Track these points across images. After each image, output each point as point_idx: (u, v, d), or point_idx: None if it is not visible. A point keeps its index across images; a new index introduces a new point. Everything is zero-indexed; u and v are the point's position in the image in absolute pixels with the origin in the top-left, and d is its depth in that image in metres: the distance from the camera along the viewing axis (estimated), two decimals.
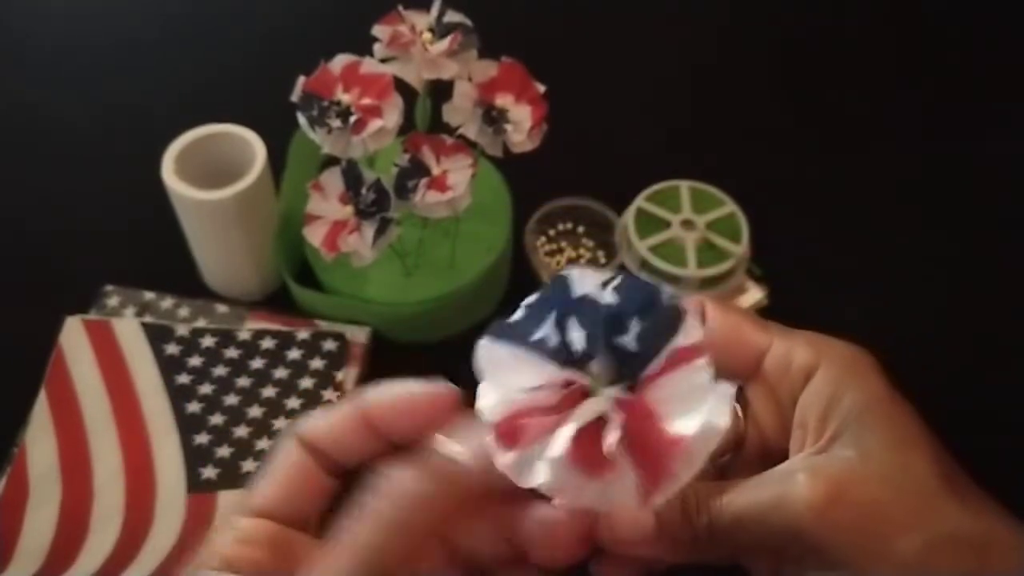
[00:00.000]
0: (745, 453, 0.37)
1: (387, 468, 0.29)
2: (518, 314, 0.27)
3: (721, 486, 0.33)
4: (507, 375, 0.26)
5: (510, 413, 0.26)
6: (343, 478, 0.32)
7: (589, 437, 0.25)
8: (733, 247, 0.71)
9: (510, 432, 0.25)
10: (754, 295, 0.71)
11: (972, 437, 0.66)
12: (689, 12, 0.94)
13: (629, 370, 0.26)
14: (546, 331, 0.26)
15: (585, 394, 0.26)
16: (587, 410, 0.25)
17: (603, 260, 0.73)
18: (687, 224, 0.73)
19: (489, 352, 0.26)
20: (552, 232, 0.74)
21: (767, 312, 0.70)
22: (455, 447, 0.28)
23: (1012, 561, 0.31)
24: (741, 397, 0.37)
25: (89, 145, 0.82)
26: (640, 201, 0.74)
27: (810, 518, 0.31)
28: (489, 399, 0.26)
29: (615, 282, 0.27)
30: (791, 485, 0.32)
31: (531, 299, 0.27)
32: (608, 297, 0.26)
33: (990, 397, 0.67)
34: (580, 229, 0.75)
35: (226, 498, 0.59)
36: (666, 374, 0.26)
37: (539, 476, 0.26)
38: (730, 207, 0.73)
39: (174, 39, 0.91)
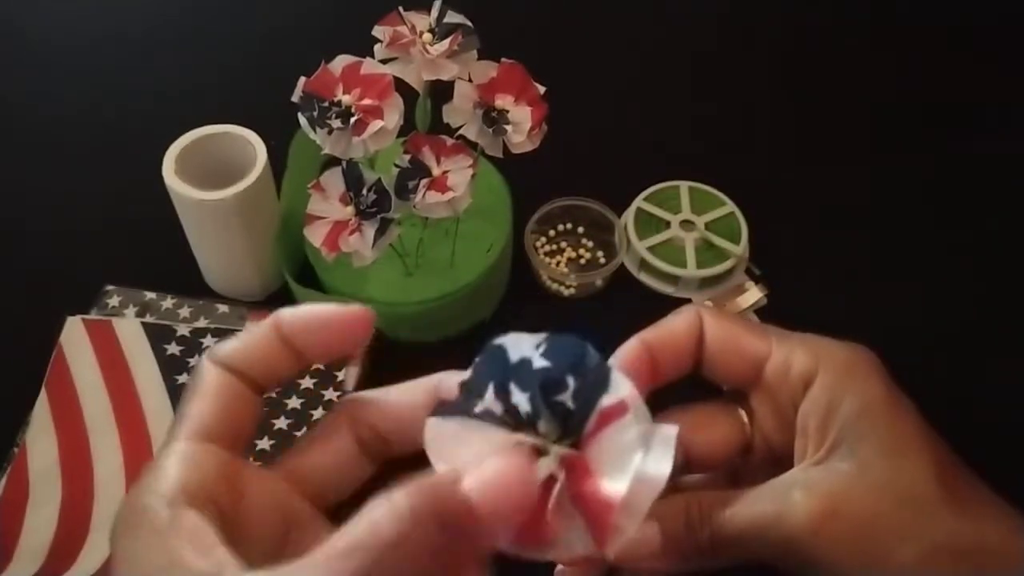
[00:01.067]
0: (753, 458, 0.37)
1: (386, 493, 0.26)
2: (457, 393, 0.28)
3: (724, 497, 0.34)
4: (458, 449, 0.26)
5: None
6: (261, 396, 0.32)
7: (540, 502, 0.26)
8: (732, 247, 0.71)
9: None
10: (753, 295, 0.71)
11: (972, 436, 0.66)
12: (689, 12, 0.95)
13: (572, 427, 0.27)
14: (489, 400, 0.27)
15: (537, 452, 0.26)
16: (542, 468, 0.26)
17: (603, 260, 0.73)
18: (686, 224, 0.73)
19: (438, 429, 0.27)
20: (552, 232, 0.74)
21: (767, 312, 0.70)
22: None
23: (1010, 568, 0.31)
24: (746, 405, 0.37)
25: (89, 145, 0.82)
26: (640, 201, 0.74)
27: (807, 534, 0.31)
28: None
29: (545, 344, 0.27)
30: (788, 502, 0.32)
31: (467, 375, 0.28)
32: (540, 360, 0.27)
33: (990, 397, 0.67)
34: (580, 229, 0.75)
35: None
36: (598, 432, 0.26)
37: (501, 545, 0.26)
38: (729, 207, 0.73)
39: (174, 39, 0.92)
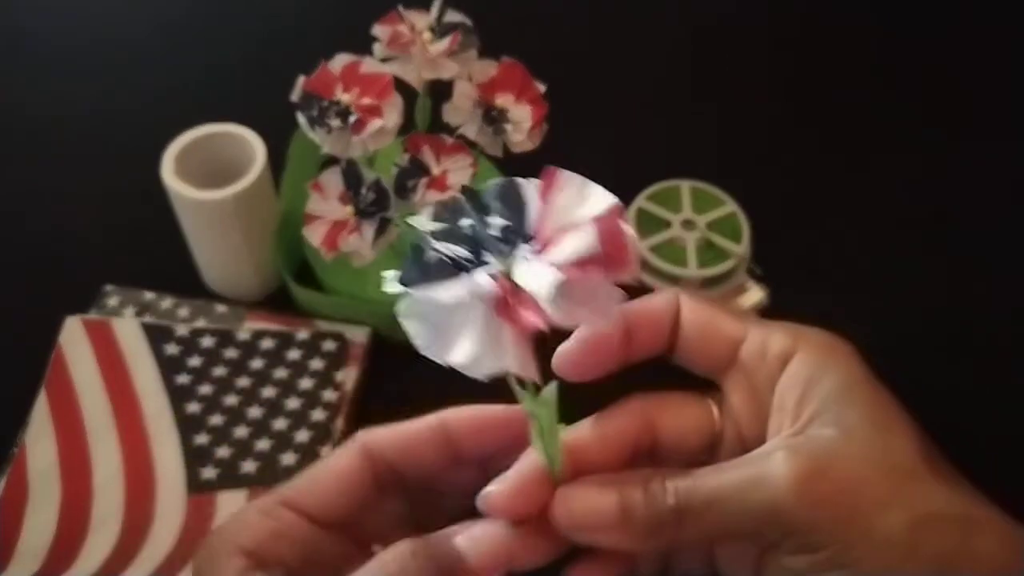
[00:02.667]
0: (722, 452, 0.36)
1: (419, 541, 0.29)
2: (401, 273, 0.26)
3: (688, 471, 0.32)
4: (433, 315, 0.25)
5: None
6: (390, 494, 0.32)
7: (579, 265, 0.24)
8: (734, 247, 0.71)
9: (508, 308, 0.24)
10: (754, 295, 0.71)
11: (972, 435, 0.66)
12: (689, 12, 0.94)
13: (515, 232, 0.26)
14: (436, 260, 0.25)
15: (505, 276, 0.25)
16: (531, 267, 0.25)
17: None
18: (687, 224, 0.73)
19: (409, 304, 0.25)
20: None
21: (767, 312, 0.70)
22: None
23: (994, 539, 0.31)
24: (717, 394, 0.36)
25: (89, 145, 0.82)
26: (640, 201, 0.74)
27: (790, 495, 0.30)
28: (464, 340, 0.25)
29: (434, 212, 0.27)
30: (769, 463, 0.30)
31: (399, 269, 0.26)
32: (438, 224, 0.26)
33: (991, 396, 0.67)
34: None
35: (226, 498, 0.59)
36: (547, 209, 0.26)
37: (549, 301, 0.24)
38: (730, 207, 0.73)
39: (174, 39, 0.91)
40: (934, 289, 0.73)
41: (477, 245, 0.25)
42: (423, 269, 0.25)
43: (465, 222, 0.26)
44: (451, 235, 0.26)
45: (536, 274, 0.24)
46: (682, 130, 0.84)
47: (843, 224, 0.77)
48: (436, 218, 0.26)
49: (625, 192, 0.74)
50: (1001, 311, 0.72)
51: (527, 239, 0.25)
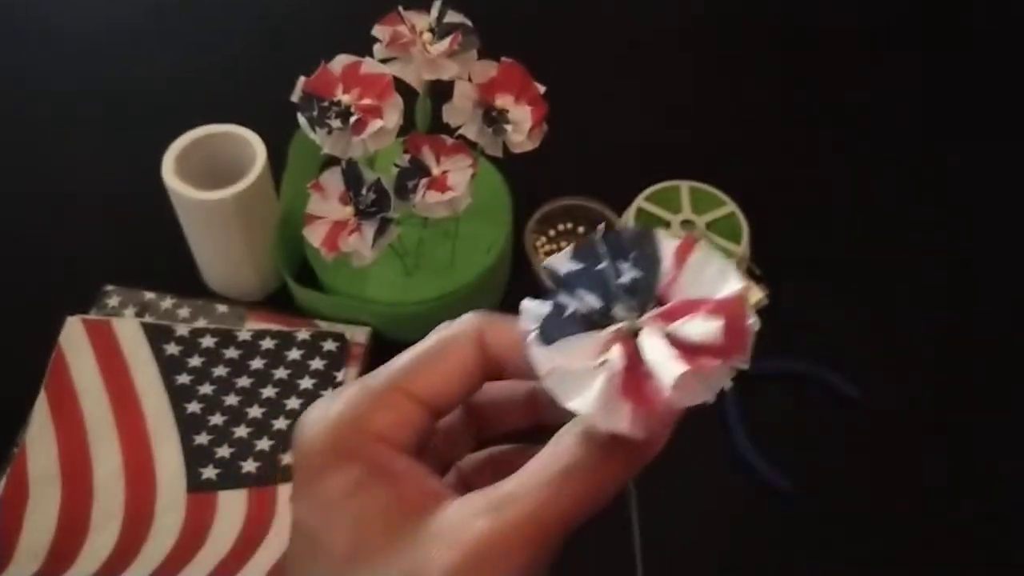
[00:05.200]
0: None
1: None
2: (541, 316, 0.27)
3: None
4: (568, 376, 0.26)
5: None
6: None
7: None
8: (733, 247, 0.71)
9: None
10: (754, 295, 0.71)
11: (971, 435, 0.66)
12: (689, 12, 0.94)
13: (646, 291, 0.26)
14: (571, 313, 0.27)
15: (632, 332, 0.26)
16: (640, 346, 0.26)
17: None
18: (687, 224, 0.73)
19: (542, 358, 0.26)
20: (552, 232, 0.74)
21: (767, 312, 0.70)
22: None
23: None
24: None
25: (89, 145, 0.82)
26: (640, 201, 0.74)
27: None
28: (583, 397, 0.26)
29: (573, 251, 0.28)
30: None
31: (539, 304, 0.28)
32: (574, 263, 0.27)
33: (990, 396, 0.67)
34: (580, 229, 0.75)
35: (226, 497, 0.59)
36: (679, 274, 0.26)
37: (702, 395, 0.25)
38: (730, 207, 0.73)
39: (174, 39, 0.91)
40: (934, 289, 0.73)
41: (608, 293, 0.27)
42: (560, 324, 0.26)
43: (600, 267, 0.27)
44: (585, 278, 0.27)
45: (662, 358, 0.25)
46: (682, 130, 0.84)
47: (843, 224, 0.77)
48: (575, 257, 0.27)
49: (625, 192, 0.75)
50: (1001, 311, 0.72)
51: (655, 299, 0.26)
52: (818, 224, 0.77)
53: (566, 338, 0.26)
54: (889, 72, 0.89)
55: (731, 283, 0.26)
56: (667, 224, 0.73)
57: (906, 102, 0.87)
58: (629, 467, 0.27)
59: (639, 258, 0.27)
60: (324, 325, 0.67)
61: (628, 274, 0.26)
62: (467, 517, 0.26)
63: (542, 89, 0.59)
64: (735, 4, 0.96)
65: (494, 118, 0.57)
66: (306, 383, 0.64)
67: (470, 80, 0.58)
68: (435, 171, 0.57)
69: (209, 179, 0.63)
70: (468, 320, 0.31)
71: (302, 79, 0.55)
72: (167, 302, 0.68)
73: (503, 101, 0.58)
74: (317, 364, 0.65)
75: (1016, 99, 0.87)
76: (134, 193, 0.73)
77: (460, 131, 0.58)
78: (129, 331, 0.66)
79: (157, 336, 0.66)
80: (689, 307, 0.26)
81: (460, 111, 0.58)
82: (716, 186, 0.75)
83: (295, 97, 0.55)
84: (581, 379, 0.26)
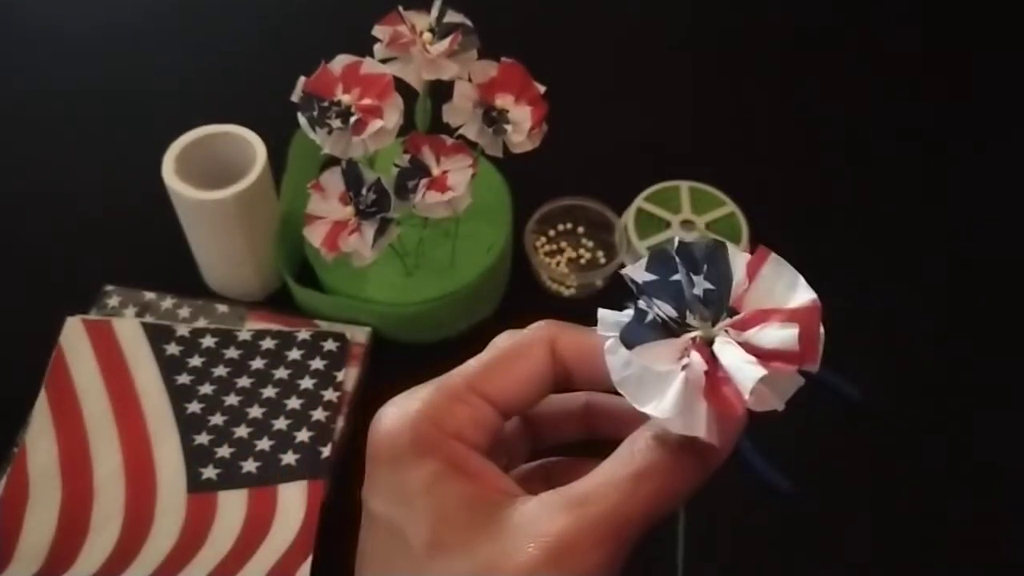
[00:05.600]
0: None
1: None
2: (620, 323, 0.28)
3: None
4: (643, 379, 0.27)
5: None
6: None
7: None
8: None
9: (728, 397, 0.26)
10: None
11: (971, 435, 0.66)
12: (689, 12, 0.94)
13: (719, 301, 0.27)
14: (651, 319, 0.27)
15: (707, 341, 0.27)
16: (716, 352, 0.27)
17: (603, 260, 0.73)
18: (687, 224, 0.73)
19: (617, 365, 0.27)
20: (552, 232, 0.74)
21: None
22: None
23: None
24: None
25: (89, 145, 0.82)
26: (640, 201, 0.74)
27: None
28: (659, 401, 0.26)
29: (648, 262, 0.28)
30: None
31: (620, 323, 0.28)
32: (650, 274, 0.28)
33: (991, 396, 0.67)
34: (580, 229, 0.75)
35: (226, 497, 0.60)
36: (751, 285, 0.27)
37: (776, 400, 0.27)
38: (730, 207, 0.73)
39: (175, 39, 0.91)
40: (934, 289, 0.73)
41: (682, 303, 0.27)
42: (641, 330, 0.27)
43: (675, 277, 0.28)
44: (661, 288, 0.28)
45: (741, 363, 0.26)
46: (682, 130, 0.84)
47: (843, 224, 0.77)
48: (649, 269, 0.28)
49: (625, 192, 0.75)
50: (1001, 311, 0.72)
51: (729, 310, 0.27)
52: (818, 224, 0.77)
53: (645, 344, 0.27)
54: (889, 72, 0.89)
55: (802, 293, 0.27)
56: (667, 224, 0.73)
57: (906, 102, 0.87)
58: (701, 472, 0.28)
59: (711, 271, 0.27)
60: (324, 325, 0.67)
61: (701, 285, 0.27)
62: (547, 513, 0.27)
63: (542, 89, 0.59)
64: (735, 4, 0.96)
65: (494, 118, 0.57)
66: (306, 383, 0.64)
67: (470, 80, 0.58)
68: (435, 171, 0.57)
69: (209, 179, 0.63)
70: (542, 327, 0.32)
71: (302, 79, 0.55)
72: (167, 302, 0.69)
73: (503, 101, 0.58)
74: (317, 364, 0.65)
75: (1018, 98, 0.87)
76: (134, 193, 0.73)
77: (460, 131, 0.58)
78: (129, 331, 0.66)
79: (157, 336, 0.66)
80: (762, 316, 0.27)
81: (460, 111, 0.58)
82: (716, 186, 0.75)
83: (295, 97, 0.55)
84: (659, 383, 0.26)
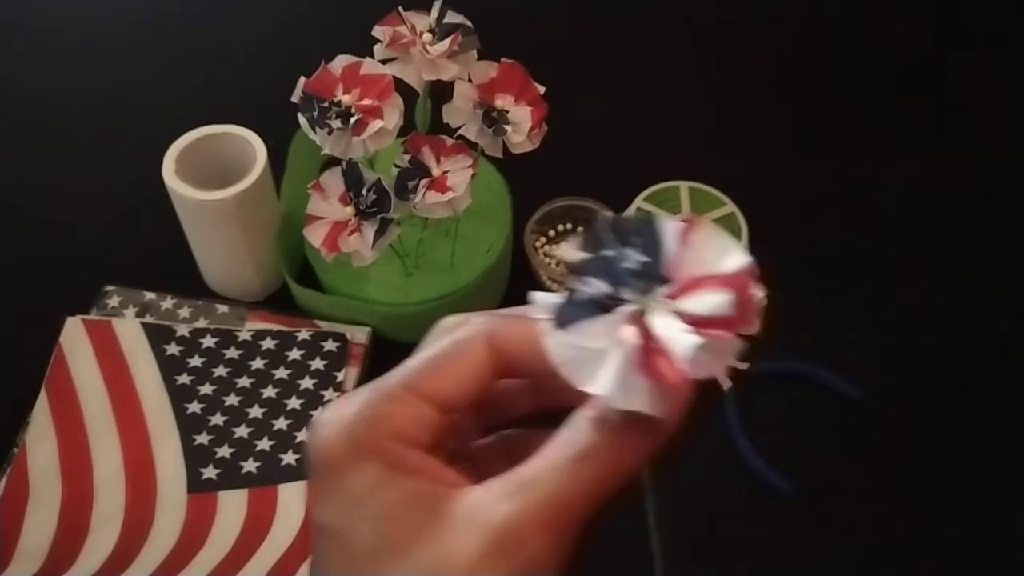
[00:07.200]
0: None
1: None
2: (554, 304, 0.28)
3: None
4: (582, 357, 0.27)
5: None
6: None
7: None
8: None
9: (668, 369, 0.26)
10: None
11: (971, 435, 0.66)
12: (689, 12, 0.94)
13: (654, 271, 0.27)
14: (583, 299, 0.27)
15: (643, 313, 0.27)
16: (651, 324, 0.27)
17: None
18: None
19: (557, 347, 0.27)
20: (552, 232, 0.74)
21: (767, 312, 0.70)
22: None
23: None
24: None
25: (89, 145, 0.82)
26: (640, 201, 0.74)
27: None
28: (599, 378, 0.26)
29: (580, 242, 0.28)
30: None
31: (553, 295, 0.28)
32: (582, 253, 0.28)
33: (991, 396, 0.67)
34: (580, 229, 0.75)
35: (226, 497, 0.60)
36: (684, 253, 0.27)
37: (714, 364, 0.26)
38: (729, 207, 0.73)
39: (174, 39, 0.91)
40: (934, 289, 0.73)
41: (616, 278, 0.27)
42: (574, 310, 0.27)
43: (607, 253, 0.28)
44: (593, 266, 0.27)
45: (675, 332, 0.26)
46: (681, 130, 0.84)
47: (842, 224, 0.77)
48: (583, 247, 0.28)
49: (625, 192, 0.75)
50: (1002, 311, 0.72)
51: (662, 280, 0.27)
52: (818, 224, 0.77)
53: (579, 323, 0.27)
54: (890, 71, 0.89)
55: (736, 258, 0.26)
56: None
57: (906, 102, 0.87)
58: (646, 446, 0.28)
59: (643, 243, 0.27)
60: (324, 325, 0.67)
61: (634, 258, 0.27)
62: (489, 503, 0.27)
63: (542, 89, 0.59)
64: (736, 4, 0.96)
65: (494, 118, 0.57)
66: (306, 383, 0.64)
67: (470, 80, 0.58)
68: (435, 171, 0.57)
69: (209, 179, 0.63)
70: (479, 321, 0.31)
71: (302, 79, 0.55)
72: (167, 302, 0.69)
73: (503, 101, 0.58)
74: (317, 364, 0.65)
75: (1019, 98, 0.87)
76: (134, 193, 0.73)
77: (460, 131, 0.58)
78: (129, 331, 0.66)
79: (157, 336, 0.66)
80: (696, 284, 0.26)
81: (460, 111, 0.58)
82: (716, 186, 0.75)
83: (295, 97, 0.55)
84: (596, 361, 0.26)
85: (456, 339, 0.31)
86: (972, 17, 0.94)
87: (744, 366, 0.27)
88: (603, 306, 0.27)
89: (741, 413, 0.65)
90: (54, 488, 0.59)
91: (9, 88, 0.87)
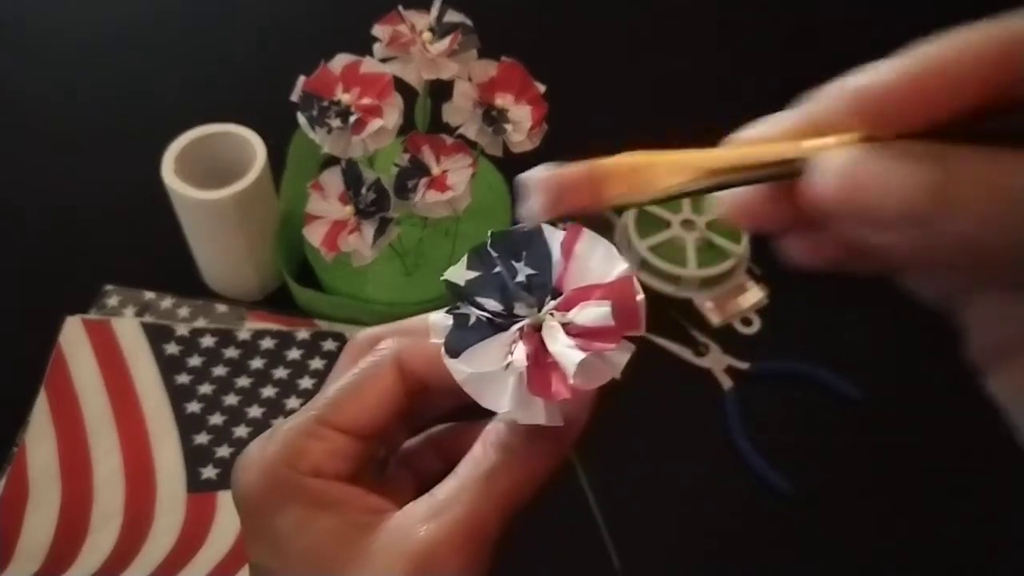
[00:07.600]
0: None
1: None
2: (447, 328, 0.28)
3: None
4: (483, 377, 0.27)
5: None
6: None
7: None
8: (733, 247, 0.71)
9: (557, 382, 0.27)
10: (754, 295, 0.71)
11: (971, 435, 0.66)
12: (689, 11, 0.94)
13: (542, 287, 0.28)
14: (474, 321, 0.28)
15: (536, 327, 0.27)
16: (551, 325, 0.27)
17: None
18: (687, 224, 0.73)
19: (457, 369, 0.27)
20: None
21: (768, 312, 0.70)
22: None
23: None
24: None
25: (88, 144, 0.82)
26: None
27: None
28: (499, 398, 0.27)
29: (468, 260, 0.28)
30: None
31: (446, 330, 0.28)
32: (471, 272, 0.28)
33: (990, 395, 0.67)
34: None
35: (226, 497, 0.59)
36: (569, 264, 0.27)
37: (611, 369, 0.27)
38: None
39: (174, 39, 0.91)
40: None
41: (507, 294, 0.28)
42: (465, 335, 0.28)
43: (496, 270, 0.28)
44: (485, 284, 0.28)
45: (563, 348, 0.26)
46: (681, 130, 0.84)
47: None
48: (470, 266, 0.28)
49: None
50: None
51: (554, 292, 0.28)
52: None
53: (471, 347, 0.27)
54: None
55: (618, 265, 0.27)
56: (667, 224, 0.73)
57: None
58: (554, 452, 0.29)
59: (531, 255, 0.28)
60: (324, 325, 0.67)
61: (523, 272, 0.28)
62: (408, 527, 0.28)
63: (542, 89, 0.59)
64: (736, 4, 0.96)
65: (494, 118, 0.57)
66: (306, 383, 0.64)
67: (470, 79, 0.58)
68: (435, 171, 0.57)
69: (209, 179, 0.63)
70: (387, 344, 0.32)
71: (302, 79, 0.55)
72: (167, 302, 0.69)
73: (503, 101, 0.58)
74: (317, 364, 0.65)
75: None
76: (134, 193, 0.73)
77: (460, 131, 0.58)
78: (129, 331, 0.66)
79: (157, 336, 0.66)
80: (583, 294, 0.27)
81: (460, 111, 0.58)
82: None
83: (295, 97, 0.55)
84: (494, 380, 0.27)
85: (363, 368, 0.32)
86: (972, 17, 0.94)
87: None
88: (497, 324, 0.27)
89: (741, 413, 0.65)
90: (54, 488, 0.59)
91: (9, 88, 0.87)
